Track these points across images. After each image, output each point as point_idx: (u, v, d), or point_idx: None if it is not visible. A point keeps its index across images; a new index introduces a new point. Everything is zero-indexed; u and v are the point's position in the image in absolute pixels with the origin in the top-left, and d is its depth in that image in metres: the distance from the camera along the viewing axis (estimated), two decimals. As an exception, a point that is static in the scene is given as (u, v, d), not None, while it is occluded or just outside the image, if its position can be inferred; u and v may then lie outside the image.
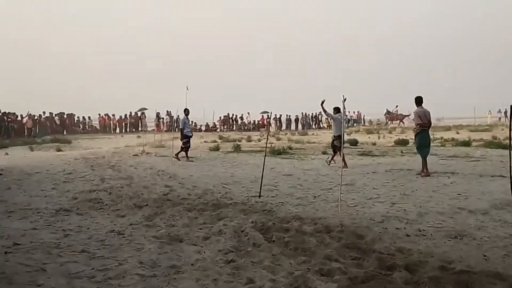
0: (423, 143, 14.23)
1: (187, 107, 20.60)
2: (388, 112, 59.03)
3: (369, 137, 35.04)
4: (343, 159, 14.32)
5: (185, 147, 20.07)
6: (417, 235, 7.32)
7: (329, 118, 18.23)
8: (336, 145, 16.68)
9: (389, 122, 58.27)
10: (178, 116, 25.49)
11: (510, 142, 7.33)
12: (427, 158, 14.16)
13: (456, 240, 7.01)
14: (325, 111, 17.00)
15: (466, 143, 26.12)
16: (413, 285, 5.14)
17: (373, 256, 6.11)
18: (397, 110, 57.00)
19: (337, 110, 17.01)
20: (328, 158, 17.48)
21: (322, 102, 16.64)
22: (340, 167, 11.07)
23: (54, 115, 43.24)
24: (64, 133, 41.42)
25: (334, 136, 17.09)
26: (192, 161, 19.04)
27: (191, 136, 20.59)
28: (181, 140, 20.35)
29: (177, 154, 19.76)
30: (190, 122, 47.80)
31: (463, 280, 5.24)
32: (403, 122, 54.36)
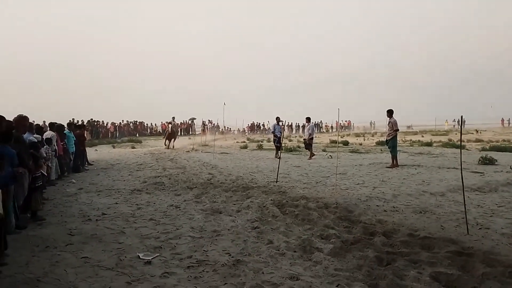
0: (396, 144, 14.07)
1: (278, 116, 18.65)
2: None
3: (357, 139, 34.67)
4: (311, 153, 17.38)
5: (276, 146, 18.29)
6: (391, 211, 7.26)
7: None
8: (310, 144, 17.80)
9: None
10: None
11: (460, 143, 7.24)
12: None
13: (420, 215, 6.94)
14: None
15: (429, 144, 25.86)
16: (389, 247, 5.11)
17: (360, 225, 6.09)
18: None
19: (308, 119, 18.34)
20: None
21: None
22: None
23: (129, 122, 43.71)
24: (137, 135, 41.79)
25: (304, 138, 18.04)
26: (279, 157, 16.78)
27: (279, 137, 18.05)
28: (273, 141, 18.86)
29: (277, 154, 17.76)
30: (225, 127, 47.85)
31: (426, 243, 5.21)
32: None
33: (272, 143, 20.89)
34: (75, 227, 6.13)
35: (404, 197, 8.41)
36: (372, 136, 40.26)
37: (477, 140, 29.31)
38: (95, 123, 37.02)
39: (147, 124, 47.32)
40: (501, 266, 4.35)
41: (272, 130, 19.09)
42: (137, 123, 45.10)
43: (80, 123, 24.01)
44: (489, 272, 4.18)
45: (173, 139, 24.80)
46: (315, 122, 57.97)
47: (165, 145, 24.85)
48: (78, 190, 9.65)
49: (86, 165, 14.61)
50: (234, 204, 7.83)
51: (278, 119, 18.75)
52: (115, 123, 40.80)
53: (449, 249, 4.93)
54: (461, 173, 6.86)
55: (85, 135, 16.52)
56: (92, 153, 20.12)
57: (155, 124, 48.08)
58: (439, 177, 11.07)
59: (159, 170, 13.41)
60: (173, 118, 25.43)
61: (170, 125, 25.18)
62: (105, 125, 39.36)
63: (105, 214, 7.07)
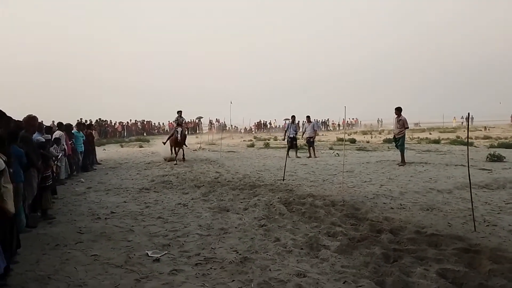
0: (404, 142, 14.00)
1: (294, 114, 17.68)
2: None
3: (364, 137, 34.56)
4: (312, 152, 17.17)
5: (289, 146, 16.67)
6: (398, 208, 7.26)
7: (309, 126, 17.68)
8: (310, 141, 17.51)
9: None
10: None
11: (467, 140, 7.21)
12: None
13: (428, 212, 6.93)
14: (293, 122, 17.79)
15: (436, 141, 25.67)
16: (395, 244, 5.12)
17: (366, 223, 6.10)
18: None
19: (308, 118, 18.11)
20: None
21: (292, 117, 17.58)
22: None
23: (137, 121, 43.94)
24: (144, 134, 41.97)
25: (308, 137, 17.59)
26: (300, 157, 16.85)
27: (292, 137, 17.21)
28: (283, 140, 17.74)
29: (296, 154, 17.36)
30: (232, 126, 47.72)
31: (433, 240, 5.21)
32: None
33: (280, 141, 20.65)
34: (85, 226, 6.21)
35: (411, 195, 8.39)
36: (379, 133, 40.08)
37: (485, 137, 29.07)
38: (103, 123, 37.27)
39: (154, 123, 47.50)
40: (508, 262, 4.35)
41: (286, 129, 18.16)
42: (145, 122, 45.31)
43: (88, 122, 24.15)
44: (496, 269, 4.18)
45: (178, 147, 16.06)
46: (322, 120, 57.92)
47: (172, 153, 16.32)
48: (87, 189, 9.75)
49: (95, 164, 14.74)
50: (241, 202, 7.87)
51: (293, 118, 17.76)
52: (122, 123, 41.03)
53: (456, 246, 4.93)
54: (468, 170, 6.84)
55: (93, 134, 16.63)
56: (100, 152, 20.22)
57: (163, 123, 48.24)
58: (447, 175, 11.02)
59: (167, 169, 13.48)
60: (180, 113, 16.28)
61: (175, 126, 16.27)
62: (113, 124, 39.60)
63: (114, 212, 7.15)
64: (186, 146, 16.67)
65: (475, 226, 5.83)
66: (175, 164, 14.80)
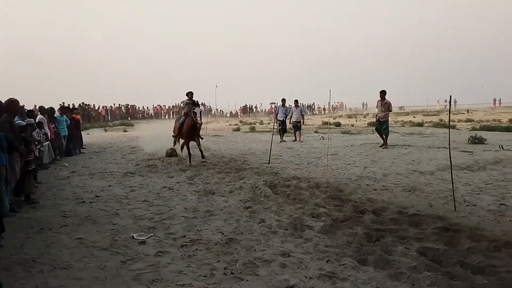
0: (388, 125, 14.15)
1: (284, 98, 17.69)
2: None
3: (349, 120, 34.78)
4: (297, 136, 17.20)
5: (279, 129, 17.03)
6: (381, 189, 7.38)
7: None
8: (297, 126, 17.37)
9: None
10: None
11: (449, 121, 7.34)
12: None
13: (410, 193, 7.06)
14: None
15: (420, 124, 26.02)
16: (378, 224, 5.23)
17: (350, 204, 6.19)
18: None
19: (296, 102, 17.97)
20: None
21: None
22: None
23: (121, 106, 43.46)
24: (129, 118, 41.56)
25: (295, 121, 17.43)
26: (285, 141, 16.77)
27: (282, 120, 17.21)
28: (275, 123, 16.67)
29: (282, 138, 17.18)
30: (217, 110, 47.33)
31: (415, 220, 5.34)
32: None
33: (266, 125, 20.57)
34: (69, 210, 6.18)
35: (394, 176, 8.53)
36: (364, 117, 40.39)
37: (468, 120, 29.55)
38: (86, 107, 36.78)
39: (139, 108, 47.06)
40: (486, 240, 4.49)
41: (276, 113, 17.74)
42: (129, 106, 44.82)
43: (71, 107, 23.77)
44: (474, 247, 4.32)
45: (187, 139, 11.36)
46: (308, 104, 58.04)
47: (177, 148, 12.31)
48: (71, 173, 9.66)
49: (80, 149, 14.59)
50: (227, 185, 7.90)
51: (284, 101, 17.68)
52: (106, 107, 40.56)
53: (436, 225, 5.06)
54: (450, 152, 6.97)
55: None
56: (84, 136, 19.97)
57: (147, 107, 47.82)
58: (429, 157, 11.21)
59: (152, 153, 13.41)
60: (191, 95, 11.63)
61: (185, 111, 11.70)
62: (96, 108, 39.11)
63: (99, 196, 7.12)
64: (202, 138, 12.12)
65: (455, 206, 5.97)
66: (190, 164, 10.46)
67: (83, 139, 15.92)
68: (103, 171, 9.86)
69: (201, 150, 11.51)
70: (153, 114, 47.33)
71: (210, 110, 46.55)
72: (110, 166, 10.72)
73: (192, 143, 11.49)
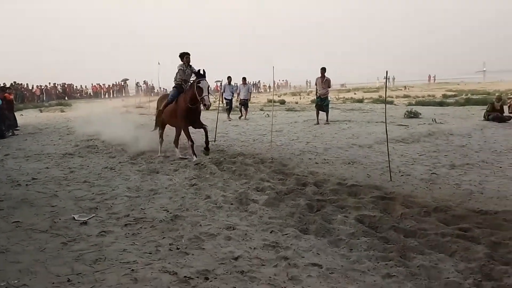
0: (328, 102, 14.55)
1: (230, 75, 17.30)
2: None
3: (293, 98, 35.30)
4: (244, 113, 17.26)
5: (227, 108, 17.19)
6: (323, 163, 7.66)
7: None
8: (244, 103, 17.55)
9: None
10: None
11: (385, 96, 7.69)
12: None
13: (349, 165, 7.39)
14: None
15: (360, 101, 26.99)
16: (319, 195, 5.43)
17: (293, 177, 6.36)
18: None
19: (244, 79, 17.97)
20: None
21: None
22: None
23: (57, 85, 41.16)
24: (66, 98, 39.49)
25: (242, 99, 17.59)
26: (231, 119, 16.59)
27: (230, 99, 17.36)
28: (221, 102, 15.77)
29: (228, 116, 17.02)
30: (160, 88, 46.13)
31: (353, 190, 5.61)
32: None
33: (213, 104, 20.27)
34: (4, 193, 5.89)
35: (334, 150, 8.85)
36: (308, 94, 41.14)
37: (405, 96, 30.98)
38: (19, 86, 34.51)
39: (76, 87, 44.82)
40: (418, 206, 4.84)
41: (222, 91, 16.98)
42: (66, 86, 42.55)
43: (2, 85, 22.19)
44: (407, 213, 4.64)
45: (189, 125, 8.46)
46: (253, 82, 58.07)
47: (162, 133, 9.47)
48: (4, 156, 9.15)
49: (14, 130, 13.76)
50: (172, 164, 7.83)
51: (230, 79, 17.38)
52: (41, 86, 38.29)
53: (373, 194, 5.35)
54: (386, 125, 7.31)
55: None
56: (17, 117, 18.86)
57: (86, 86, 45.67)
58: (368, 131, 11.72)
59: (92, 133, 12.92)
60: (187, 57, 8.32)
61: (178, 82, 8.51)
62: (30, 88, 36.83)
63: (36, 179, 6.83)
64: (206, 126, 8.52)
65: (391, 177, 6.34)
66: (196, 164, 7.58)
67: (17, 120, 15.01)
68: (39, 153, 9.41)
69: (206, 138, 8.30)
70: (92, 94, 45.37)
71: (153, 88, 45.33)
72: (47, 148, 10.24)
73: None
